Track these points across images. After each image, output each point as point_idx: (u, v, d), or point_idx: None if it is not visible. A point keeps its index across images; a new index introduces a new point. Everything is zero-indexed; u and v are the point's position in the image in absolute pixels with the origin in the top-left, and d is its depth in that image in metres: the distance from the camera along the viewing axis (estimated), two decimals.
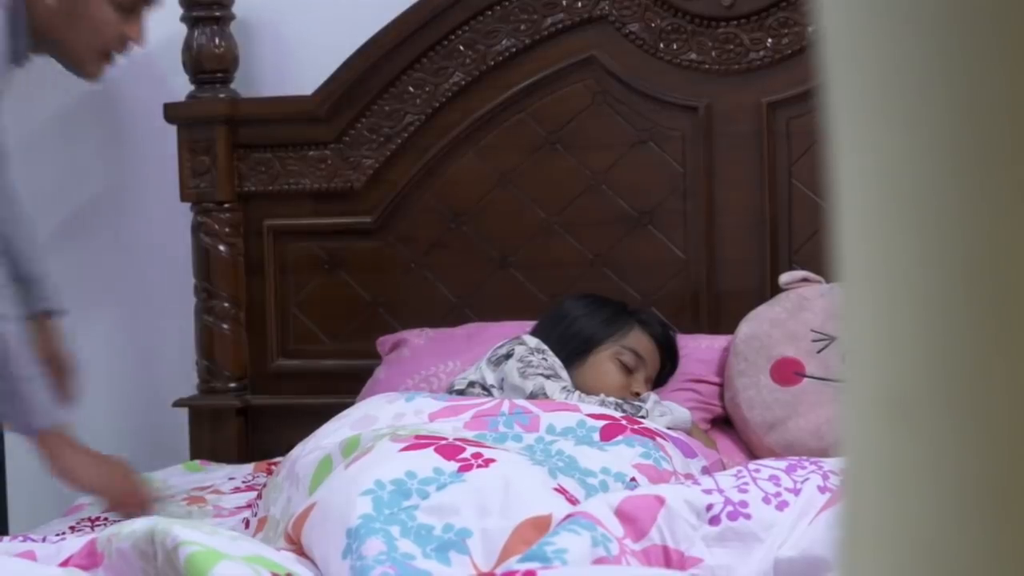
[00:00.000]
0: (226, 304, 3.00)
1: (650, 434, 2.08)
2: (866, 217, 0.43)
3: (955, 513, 0.41)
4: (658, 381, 2.47)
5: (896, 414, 0.42)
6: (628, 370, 2.39)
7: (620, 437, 2.05)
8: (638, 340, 2.43)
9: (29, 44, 2.44)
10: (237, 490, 2.47)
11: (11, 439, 3.10)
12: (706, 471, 2.06)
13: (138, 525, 1.60)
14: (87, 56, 2.43)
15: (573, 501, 1.76)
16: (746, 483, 1.78)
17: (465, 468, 1.79)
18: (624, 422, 2.10)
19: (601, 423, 2.09)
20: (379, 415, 2.13)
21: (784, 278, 2.52)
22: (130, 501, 2.22)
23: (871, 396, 0.43)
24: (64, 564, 1.69)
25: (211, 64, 2.98)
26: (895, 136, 0.42)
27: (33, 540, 1.96)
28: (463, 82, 2.89)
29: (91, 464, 2.23)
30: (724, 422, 2.53)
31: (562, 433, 2.06)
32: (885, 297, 0.43)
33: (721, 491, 1.75)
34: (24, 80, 3.23)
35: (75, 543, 1.79)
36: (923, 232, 0.41)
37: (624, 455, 1.99)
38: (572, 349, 2.39)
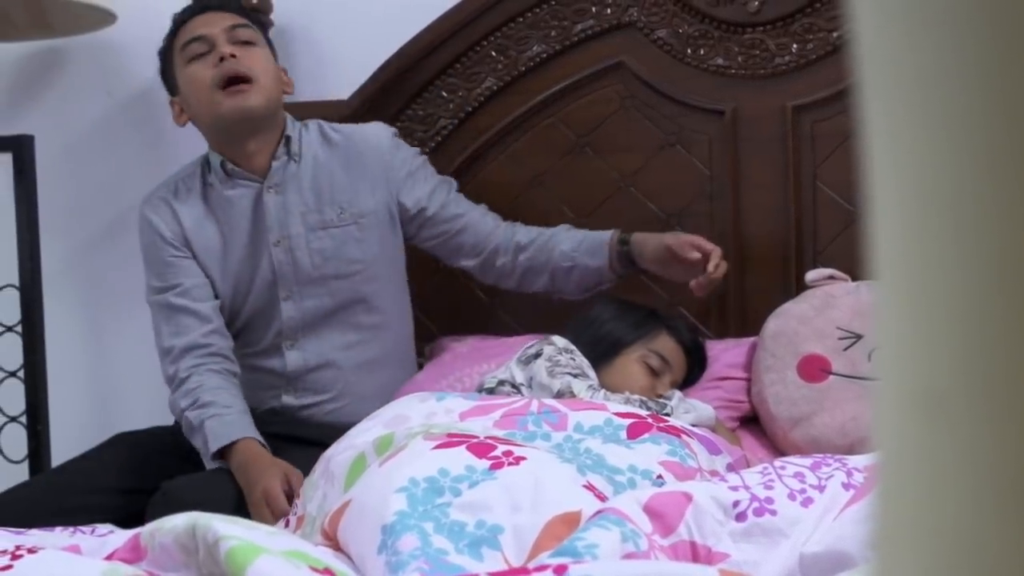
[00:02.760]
0: None
1: (676, 432, 2.09)
2: (902, 215, 0.43)
3: (991, 510, 0.40)
4: (684, 385, 2.49)
5: (932, 410, 0.42)
6: (654, 373, 2.41)
7: (646, 435, 2.06)
8: (665, 344, 2.45)
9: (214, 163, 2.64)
10: None
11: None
12: (731, 468, 2.08)
13: (179, 520, 1.61)
14: (214, 104, 2.58)
15: (602, 498, 1.77)
16: (772, 480, 1.79)
17: (496, 466, 1.80)
18: (650, 420, 2.11)
19: (628, 421, 2.10)
20: (411, 414, 2.15)
21: (811, 275, 2.53)
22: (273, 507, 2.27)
23: (906, 392, 0.43)
24: (109, 558, 1.69)
25: None
26: (931, 135, 0.41)
27: (83, 532, 1.99)
28: (495, 87, 2.92)
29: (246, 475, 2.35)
30: (749, 421, 2.53)
31: (590, 432, 2.07)
32: (921, 293, 0.42)
33: (747, 488, 1.76)
34: (70, 87, 3.29)
35: (119, 538, 1.81)
36: (959, 229, 0.41)
37: (651, 452, 2.01)
38: (600, 351, 2.41)
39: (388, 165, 2.66)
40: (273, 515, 2.21)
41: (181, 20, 2.67)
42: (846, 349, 2.41)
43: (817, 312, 2.46)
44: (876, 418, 0.45)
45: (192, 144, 3.16)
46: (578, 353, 2.38)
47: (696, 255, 2.49)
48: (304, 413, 2.62)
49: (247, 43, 2.62)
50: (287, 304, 2.64)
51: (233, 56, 2.56)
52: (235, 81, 2.56)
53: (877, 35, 0.43)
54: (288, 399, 2.65)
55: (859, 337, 2.40)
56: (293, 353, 2.65)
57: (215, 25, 2.61)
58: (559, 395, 2.25)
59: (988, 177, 0.40)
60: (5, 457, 3.18)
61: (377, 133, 2.71)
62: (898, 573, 0.44)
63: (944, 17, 0.40)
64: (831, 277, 2.51)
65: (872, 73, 0.44)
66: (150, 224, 2.65)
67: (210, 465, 2.42)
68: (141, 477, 2.46)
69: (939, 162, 0.41)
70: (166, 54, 2.69)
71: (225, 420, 2.44)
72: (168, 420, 2.67)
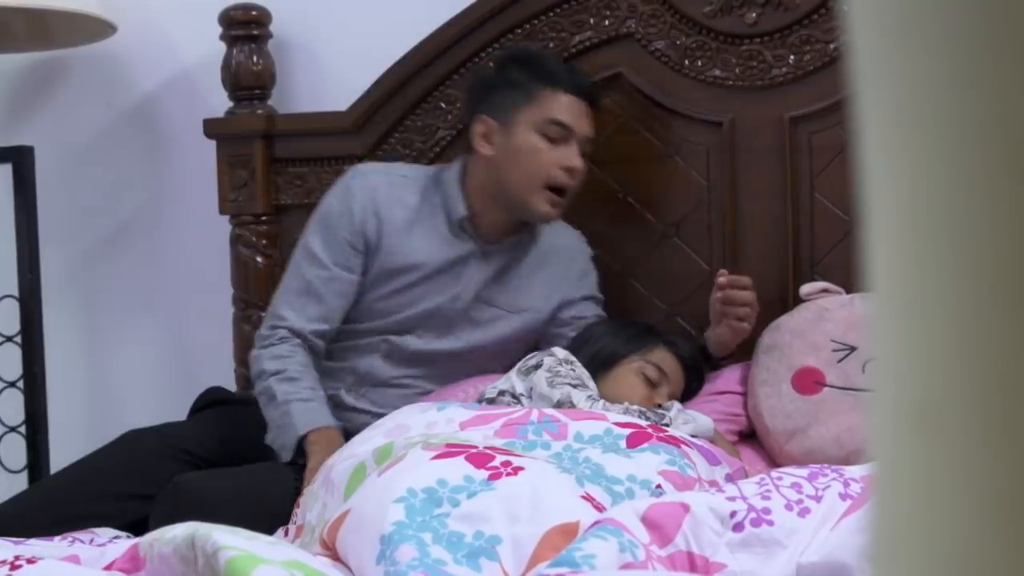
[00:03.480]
0: (263, 314, 3.03)
1: (675, 442, 2.10)
2: (897, 227, 0.43)
3: (986, 522, 0.40)
4: (682, 399, 2.48)
5: (927, 423, 0.41)
6: (651, 384, 2.41)
7: (646, 444, 2.07)
8: (662, 357, 2.46)
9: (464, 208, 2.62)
10: None
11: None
12: (729, 479, 2.08)
13: (179, 530, 1.61)
14: (530, 192, 2.55)
15: (600, 508, 1.78)
16: (769, 490, 1.80)
17: (495, 476, 1.81)
18: (650, 430, 2.12)
19: (627, 431, 2.11)
20: (412, 424, 2.16)
21: (805, 289, 2.55)
22: None
23: (902, 405, 0.43)
24: (108, 568, 1.70)
25: (249, 81, 3.03)
26: (926, 146, 0.41)
27: (81, 542, 2.00)
28: None
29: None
30: (748, 436, 2.54)
31: (589, 441, 2.08)
32: (916, 306, 0.42)
33: (744, 498, 1.77)
34: (70, 98, 3.31)
35: (118, 547, 1.82)
36: (955, 242, 0.40)
37: (650, 462, 2.01)
38: (598, 363, 2.43)
39: (572, 277, 2.71)
40: None
41: (552, 75, 2.59)
42: (840, 361, 2.42)
43: (811, 325, 2.47)
44: (871, 430, 0.45)
45: (192, 155, 3.19)
46: (578, 364, 2.38)
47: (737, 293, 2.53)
48: (360, 419, 2.63)
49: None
50: (412, 337, 2.67)
51: (578, 172, 2.57)
52: (561, 192, 2.57)
53: (873, 46, 0.43)
54: (349, 398, 2.66)
55: (853, 349, 2.41)
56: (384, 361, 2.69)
57: (583, 125, 2.58)
58: (559, 405, 2.26)
59: (983, 189, 0.40)
60: (4, 467, 3.18)
61: (575, 240, 2.76)
62: None
63: (940, 28, 0.40)
64: (825, 291, 2.53)
65: (868, 84, 0.44)
66: (367, 202, 2.63)
67: (280, 442, 2.47)
68: (143, 482, 2.47)
69: (934, 174, 0.41)
70: (505, 74, 2.62)
71: (311, 406, 2.50)
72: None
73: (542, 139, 2.54)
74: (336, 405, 2.64)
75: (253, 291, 3.03)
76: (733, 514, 1.74)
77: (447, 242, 2.63)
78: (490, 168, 2.58)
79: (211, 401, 2.81)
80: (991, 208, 0.40)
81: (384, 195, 2.62)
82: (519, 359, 2.44)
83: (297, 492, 2.26)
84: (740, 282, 2.52)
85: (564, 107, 2.55)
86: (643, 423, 2.16)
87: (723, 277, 2.52)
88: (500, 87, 2.59)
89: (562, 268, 2.71)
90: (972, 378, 0.41)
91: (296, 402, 2.49)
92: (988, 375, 0.40)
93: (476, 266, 2.65)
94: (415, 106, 2.97)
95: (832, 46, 2.71)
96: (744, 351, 2.64)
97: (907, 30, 0.42)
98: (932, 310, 0.42)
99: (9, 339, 3.18)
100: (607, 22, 2.86)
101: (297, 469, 2.38)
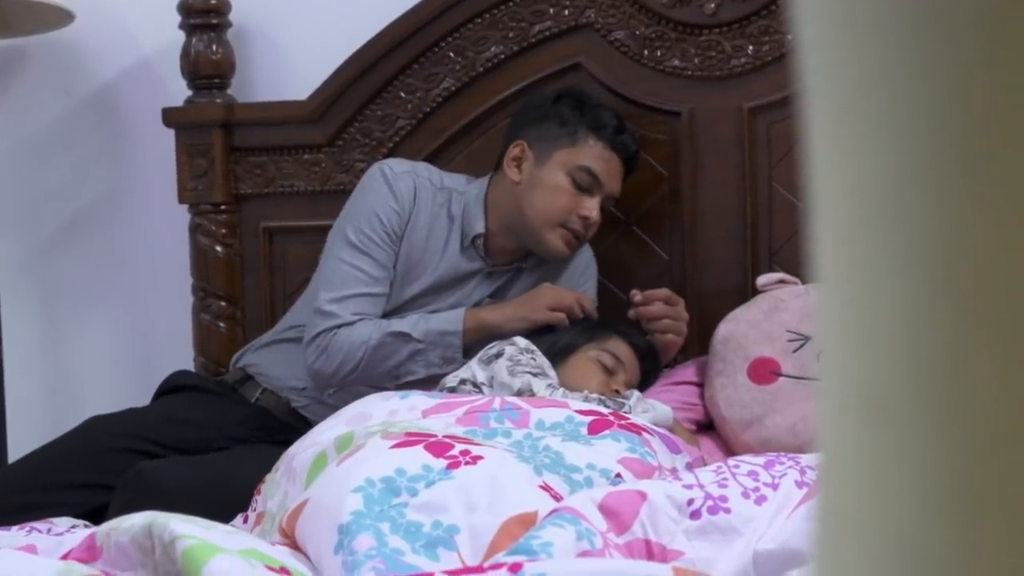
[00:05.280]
0: (223, 303, 3.04)
1: (636, 429, 2.10)
2: (844, 218, 0.43)
3: (932, 510, 0.40)
4: (639, 389, 2.49)
5: (873, 412, 0.42)
6: (608, 371, 2.43)
7: (607, 432, 2.07)
8: (617, 346, 2.48)
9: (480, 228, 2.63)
10: None
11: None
12: (689, 467, 2.08)
13: (136, 519, 1.60)
14: (543, 227, 2.57)
15: (558, 498, 1.78)
16: (726, 478, 1.81)
17: (453, 465, 1.81)
18: (611, 417, 2.12)
19: (589, 418, 2.11)
20: (374, 412, 2.15)
21: (761, 280, 2.56)
22: (558, 304, 2.53)
23: (849, 394, 0.43)
24: (64, 557, 1.68)
25: (208, 70, 3.02)
26: (873, 136, 0.41)
27: (39, 532, 1.99)
28: (453, 87, 2.93)
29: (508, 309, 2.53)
30: (706, 426, 2.56)
31: (551, 428, 2.08)
32: (863, 296, 0.42)
33: (701, 486, 1.78)
34: (28, 86, 3.28)
35: (75, 537, 1.81)
36: (901, 232, 0.41)
37: (610, 450, 2.02)
38: (555, 353, 2.44)
39: (575, 276, 2.74)
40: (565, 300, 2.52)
41: (601, 126, 2.60)
42: (795, 351, 2.43)
43: (766, 316, 2.49)
44: (819, 420, 0.45)
45: (151, 145, 3.17)
46: (539, 353, 2.39)
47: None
48: None
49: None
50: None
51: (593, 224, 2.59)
52: (575, 236, 2.59)
53: (819, 37, 0.43)
54: (333, 400, 2.66)
55: (808, 339, 2.42)
56: None
57: (613, 183, 2.60)
58: (519, 393, 2.26)
59: (929, 179, 0.40)
60: None
61: (586, 255, 2.77)
62: (841, 573, 0.45)
63: (885, 19, 0.41)
64: (781, 281, 2.54)
65: (815, 75, 0.44)
66: (399, 196, 2.63)
67: (446, 354, 2.54)
68: (103, 471, 2.46)
69: (881, 165, 0.41)
70: (558, 110, 2.63)
71: (443, 315, 2.58)
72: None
73: (570, 182, 2.56)
74: (319, 403, 2.65)
75: (213, 280, 3.03)
76: (690, 502, 1.74)
77: (457, 256, 2.65)
78: (513, 193, 2.61)
79: (177, 386, 2.80)
80: (937, 197, 0.40)
81: (412, 196, 2.64)
82: None
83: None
84: (653, 296, 2.57)
85: (601, 159, 2.58)
86: (604, 410, 2.16)
87: (636, 296, 2.58)
88: (549, 120, 2.62)
89: (563, 269, 2.72)
90: (919, 369, 0.41)
91: (431, 319, 2.56)
92: (935, 365, 0.40)
93: (479, 284, 2.67)
94: (375, 96, 2.97)
95: (790, 36, 2.72)
96: (701, 343, 2.66)
97: (852, 20, 0.42)
98: (879, 300, 0.42)
99: None
100: (567, 12, 2.87)
101: (260, 453, 2.37)
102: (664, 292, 2.59)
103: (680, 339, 2.60)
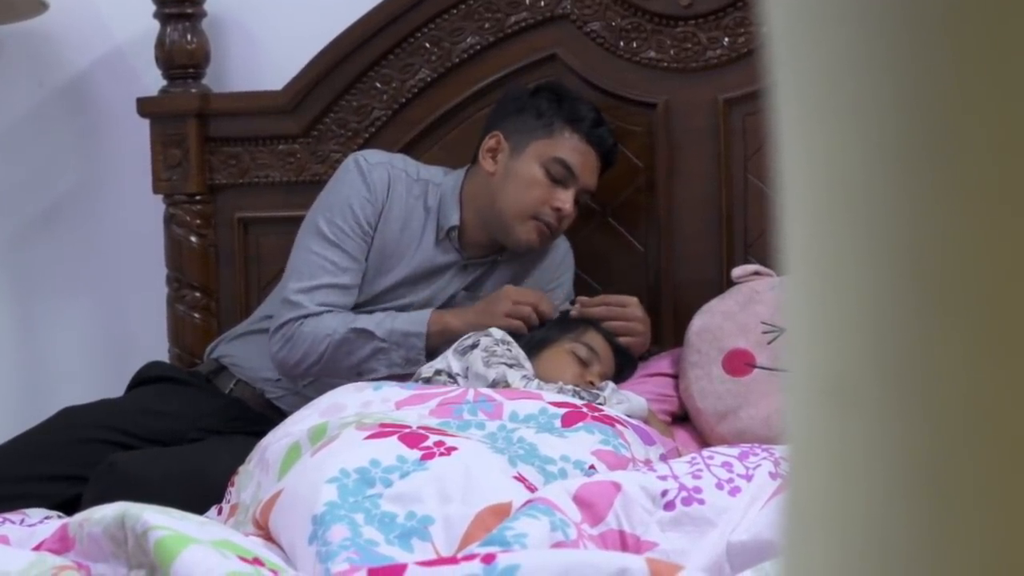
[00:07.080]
0: (197, 294, 3.03)
1: (610, 421, 2.10)
2: (812, 210, 0.43)
3: (900, 499, 0.40)
4: (614, 382, 2.49)
5: (842, 401, 0.42)
6: (583, 363, 2.44)
7: (580, 424, 2.07)
8: (592, 338, 2.49)
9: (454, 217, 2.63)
10: None
11: None
12: (664, 459, 2.09)
13: (109, 511, 1.59)
14: (515, 219, 2.57)
15: (532, 488, 1.78)
16: (700, 469, 1.81)
17: (428, 456, 1.81)
18: (585, 409, 2.12)
19: (563, 410, 2.11)
20: (347, 403, 2.14)
21: (736, 272, 2.56)
22: (517, 302, 2.53)
23: (815, 383, 0.43)
24: (37, 548, 1.67)
25: (183, 60, 3.01)
26: (840, 126, 0.41)
27: (11, 523, 1.98)
28: (429, 78, 2.93)
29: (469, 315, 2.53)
30: (681, 418, 2.56)
31: (524, 420, 2.08)
32: (830, 284, 0.42)
33: (676, 477, 1.78)
34: (1, 76, 3.27)
35: (48, 528, 1.80)
36: (868, 224, 0.41)
37: (584, 442, 2.01)
38: (532, 346, 2.45)
39: (549, 270, 2.74)
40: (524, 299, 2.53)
41: (578, 119, 2.60)
42: (770, 343, 2.44)
43: (741, 307, 2.49)
44: (787, 409, 0.45)
45: (125, 135, 3.16)
46: (515, 345, 2.40)
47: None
48: None
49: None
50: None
51: (567, 217, 2.59)
52: (548, 228, 2.58)
53: (787, 29, 0.43)
54: (310, 391, 2.66)
55: (783, 331, 2.41)
56: None
57: (587, 176, 2.60)
58: (494, 385, 2.26)
59: (896, 168, 0.40)
60: None
61: (563, 248, 2.78)
62: (807, 563, 0.45)
63: (852, 12, 0.41)
64: (756, 273, 2.55)
65: (783, 67, 0.44)
66: (372, 188, 2.62)
67: (408, 355, 2.54)
68: (76, 462, 2.46)
69: (847, 153, 0.41)
70: (536, 102, 2.62)
71: (408, 315, 2.59)
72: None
73: (544, 174, 2.56)
74: (293, 394, 2.65)
75: (187, 270, 3.03)
76: (664, 493, 1.75)
77: (432, 248, 2.65)
78: (487, 184, 2.61)
79: (150, 376, 2.79)
80: (904, 189, 0.40)
81: (386, 188, 2.63)
82: None
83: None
84: (591, 302, 2.59)
85: (576, 152, 2.58)
86: (578, 402, 2.16)
87: (574, 309, 2.60)
88: (526, 112, 2.61)
89: (539, 262, 2.73)
90: (886, 356, 0.41)
91: (397, 318, 2.56)
92: (901, 356, 0.40)
93: (454, 277, 2.67)
94: (350, 86, 2.96)
95: (762, 29, 2.72)
96: (676, 334, 2.66)
97: (819, 12, 0.42)
98: (846, 288, 0.42)
99: None
100: (542, 3, 2.87)
101: (234, 444, 2.36)
102: (608, 297, 2.60)
103: (637, 340, 2.59)
